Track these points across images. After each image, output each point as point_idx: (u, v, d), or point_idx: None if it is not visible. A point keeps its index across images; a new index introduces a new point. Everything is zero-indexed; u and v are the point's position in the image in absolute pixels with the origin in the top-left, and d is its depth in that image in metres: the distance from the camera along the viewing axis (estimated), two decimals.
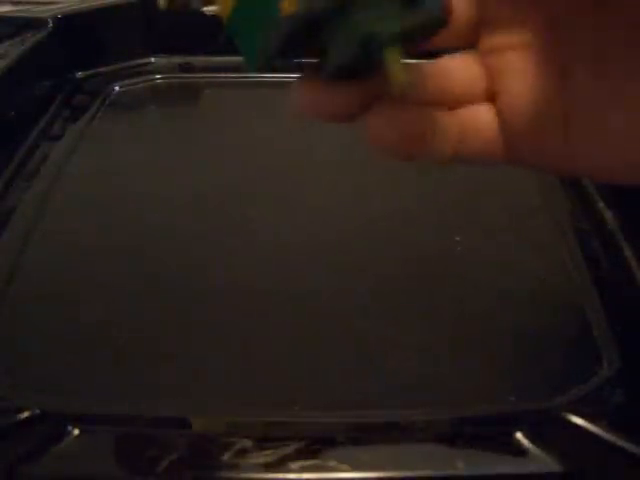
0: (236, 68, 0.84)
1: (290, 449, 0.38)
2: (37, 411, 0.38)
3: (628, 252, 0.52)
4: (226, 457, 0.38)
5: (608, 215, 0.56)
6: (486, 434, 0.40)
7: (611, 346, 0.45)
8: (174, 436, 0.40)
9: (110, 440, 0.39)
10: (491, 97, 0.28)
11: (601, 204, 0.58)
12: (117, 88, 0.79)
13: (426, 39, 0.26)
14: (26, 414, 0.38)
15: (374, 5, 0.23)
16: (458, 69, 0.28)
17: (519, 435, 0.38)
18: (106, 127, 0.73)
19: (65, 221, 0.58)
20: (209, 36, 0.85)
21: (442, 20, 0.25)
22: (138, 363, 0.45)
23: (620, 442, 0.36)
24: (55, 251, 0.55)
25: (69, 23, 0.78)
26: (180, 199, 0.61)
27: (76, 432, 0.38)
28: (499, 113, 0.28)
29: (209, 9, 0.87)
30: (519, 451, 0.38)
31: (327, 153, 0.68)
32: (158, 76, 0.83)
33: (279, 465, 0.37)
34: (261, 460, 0.37)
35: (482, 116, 0.28)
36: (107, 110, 0.75)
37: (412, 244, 0.56)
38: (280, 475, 0.36)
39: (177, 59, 0.85)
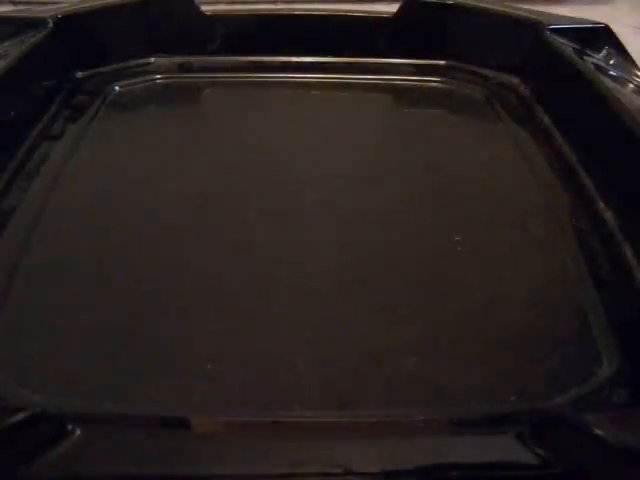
0: (236, 68, 0.85)
1: (291, 449, 0.38)
2: (37, 411, 0.38)
3: (628, 252, 0.52)
4: (226, 457, 0.38)
5: (608, 215, 0.56)
6: (486, 434, 0.40)
7: (611, 346, 0.45)
8: (174, 436, 0.40)
9: (110, 440, 0.38)
10: None
11: (601, 204, 0.58)
12: (117, 88, 0.79)
13: None
14: (26, 414, 0.38)
15: None
16: None
17: (519, 435, 0.38)
18: (106, 127, 0.73)
19: (65, 221, 0.58)
20: (209, 36, 0.86)
21: None
22: (138, 363, 0.45)
23: (620, 442, 0.36)
24: (55, 251, 0.54)
25: (69, 23, 0.78)
26: (180, 198, 0.60)
27: (76, 432, 0.38)
28: None
29: (208, 9, 0.87)
30: (519, 451, 0.38)
31: (326, 153, 0.68)
32: (158, 76, 0.83)
33: (280, 465, 0.37)
34: (262, 460, 0.37)
35: None
36: (107, 110, 0.75)
37: (412, 244, 0.56)
38: (281, 475, 0.36)
39: (177, 59, 0.85)
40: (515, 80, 0.80)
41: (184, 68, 0.85)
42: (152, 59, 0.85)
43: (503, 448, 0.38)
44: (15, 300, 0.49)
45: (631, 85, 0.67)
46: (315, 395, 0.43)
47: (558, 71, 0.73)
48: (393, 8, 0.86)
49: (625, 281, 0.50)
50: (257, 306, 0.49)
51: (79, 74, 0.81)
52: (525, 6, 0.87)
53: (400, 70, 0.84)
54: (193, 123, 0.75)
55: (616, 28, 0.76)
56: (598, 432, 0.37)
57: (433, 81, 0.83)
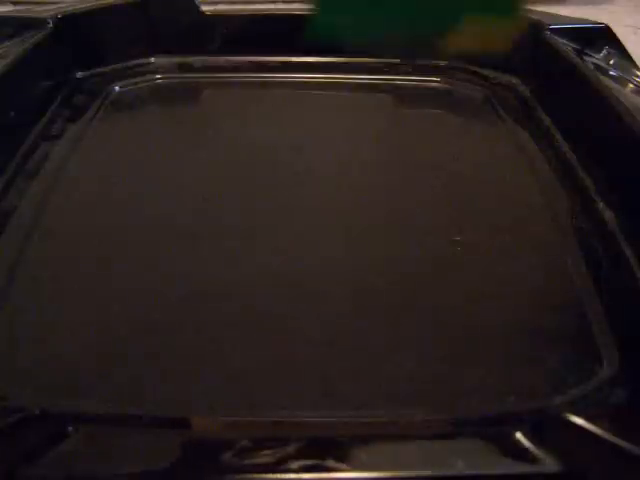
0: (236, 68, 0.85)
1: (290, 449, 0.38)
2: (37, 411, 0.38)
3: (628, 252, 0.52)
4: (226, 457, 0.38)
5: (608, 215, 0.56)
6: (486, 434, 0.40)
7: (611, 346, 0.45)
8: (174, 436, 0.40)
9: (110, 440, 0.39)
10: None
11: (601, 204, 0.58)
12: (117, 88, 0.79)
13: None
14: (26, 414, 0.38)
15: None
16: None
17: (519, 435, 0.38)
18: (106, 127, 0.73)
19: (65, 221, 0.58)
20: (209, 36, 0.86)
21: None
22: (138, 363, 0.45)
23: (620, 442, 0.36)
24: (55, 251, 0.55)
25: (69, 23, 0.78)
26: (180, 198, 0.61)
27: (76, 432, 0.38)
28: None
29: (208, 9, 0.87)
30: (519, 451, 0.38)
31: (327, 153, 0.68)
32: (158, 76, 0.83)
33: (279, 465, 0.37)
34: (261, 460, 0.37)
35: None
36: (107, 110, 0.75)
37: (412, 244, 0.56)
38: (280, 475, 0.36)
39: (177, 59, 0.85)
40: (515, 80, 0.80)
41: (184, 68, 0.85)
42: (152, 59, 0.85)
43: (503, 448, 0.38)
44: (15, 300, 0.49)
45: (631, 85, 0.67)
46: (315, 395, 0.43)
47: (558, 71, 0.73)
48: None
49: (625, 281, 0.50)
50: (257, 306, 0.49)
51: (79, 74, 0.81)
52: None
53: (400, 70, 0.84)
54: (193, 123, 0.75)
55: (616, 28, 0.76)
56: (598, 432, 0.37)
57: (433, 81, 0.83)
